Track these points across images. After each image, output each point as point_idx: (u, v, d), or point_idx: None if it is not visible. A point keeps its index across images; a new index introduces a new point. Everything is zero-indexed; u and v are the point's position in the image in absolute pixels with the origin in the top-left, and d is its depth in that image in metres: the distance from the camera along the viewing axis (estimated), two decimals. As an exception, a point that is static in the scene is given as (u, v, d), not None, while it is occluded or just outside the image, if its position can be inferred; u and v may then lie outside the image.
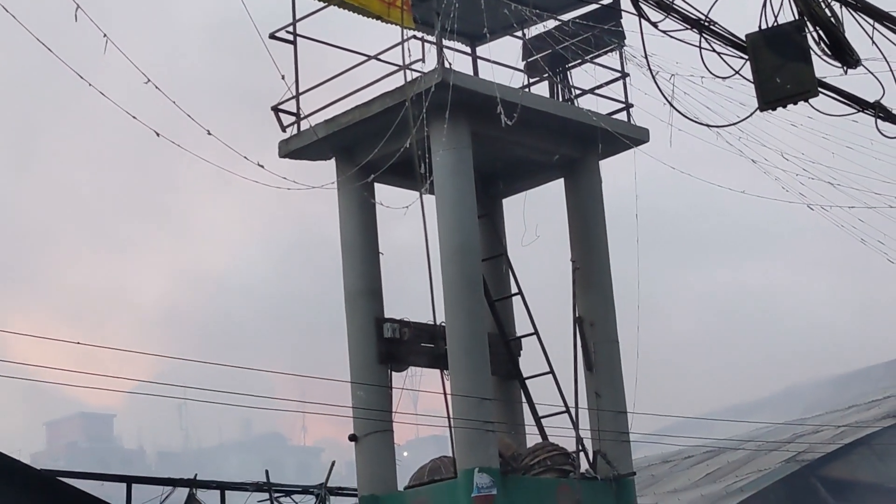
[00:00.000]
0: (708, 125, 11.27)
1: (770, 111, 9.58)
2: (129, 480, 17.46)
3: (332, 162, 19.68)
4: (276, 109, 19.27)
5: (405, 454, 19.36)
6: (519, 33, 21.12)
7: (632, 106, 20.56)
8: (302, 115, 19.43)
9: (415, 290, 19.95)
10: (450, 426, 17.77)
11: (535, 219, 20.38)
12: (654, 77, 11.17)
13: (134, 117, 12.67)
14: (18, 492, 16.00)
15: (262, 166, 15.17)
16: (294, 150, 19.62)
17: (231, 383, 15.82)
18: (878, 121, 10.19)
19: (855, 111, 10.25)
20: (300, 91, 19.30)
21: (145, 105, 13.75)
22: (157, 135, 13.24)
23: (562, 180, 20.59)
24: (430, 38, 18.66)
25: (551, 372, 19.95)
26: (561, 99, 20.55)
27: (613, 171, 21.24)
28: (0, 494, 15.68)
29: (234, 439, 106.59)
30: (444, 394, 17.93)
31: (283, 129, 19.52)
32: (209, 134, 13.82)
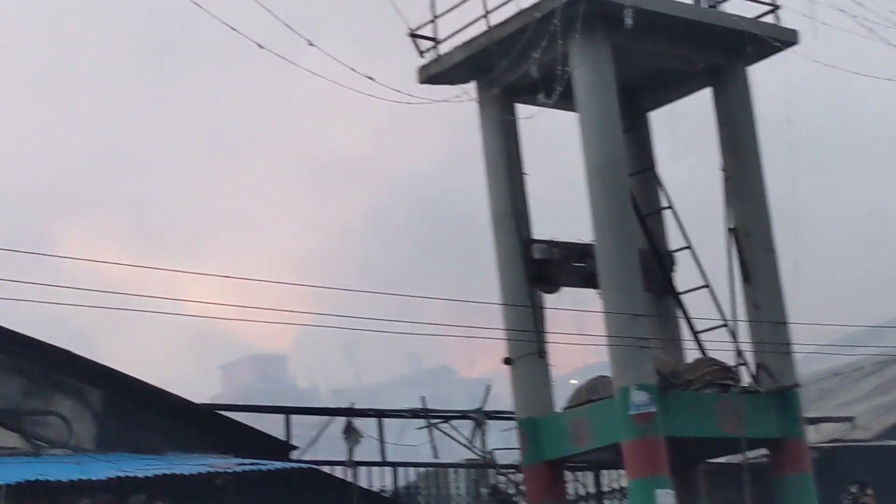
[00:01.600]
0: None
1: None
2: (288, 411, 17.64)
3: (471, 85, 19.41)
4: (412, 35, 19.07)
5: (573, 381, 19.20)
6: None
7: (779, 7, 19.84)
8: (439, 39, 19.22)
9: (562, 209, 19.68)
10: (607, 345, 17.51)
11: (683, 130, 19.90)
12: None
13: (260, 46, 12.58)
14: (181, 425, 16.27)
15: (371, 78, 15.08)
16: (433, 74, 19.42)
17: (392, 315, 15.76)
18: None
19: None
20: (437, 15, 19.09)
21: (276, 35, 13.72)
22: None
23: (709, 89, 20.03)
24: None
25: (707, 285, 19.52)
26: (705, 4, 19.91)
27: (762, 76, 20.51)
28: (162, 428, 15.96)
29: (403, 374, 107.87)
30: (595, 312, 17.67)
31: (422, 54, 19.34)
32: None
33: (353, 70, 15.00)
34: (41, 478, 13.15)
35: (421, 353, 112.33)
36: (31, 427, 15.26)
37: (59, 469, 13.81)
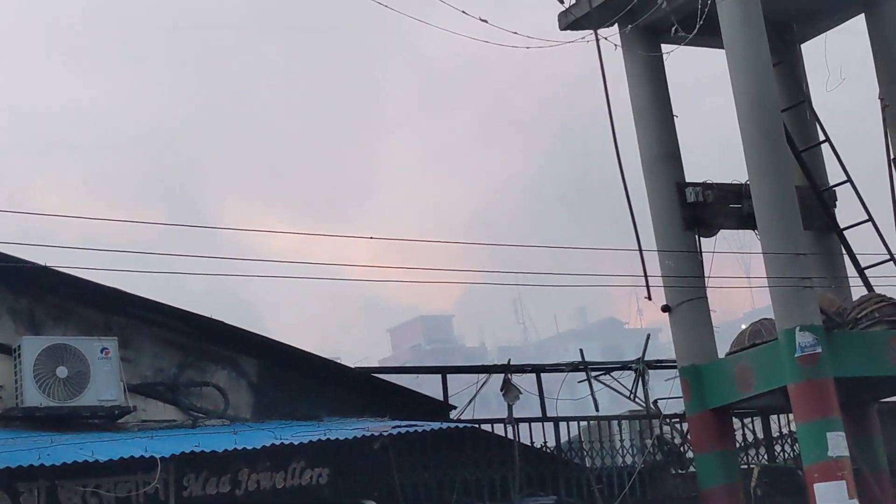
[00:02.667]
0: None
1: None
2: (444, 371, 17.49)
3: (614, 29, 18.96)
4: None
5: (742, 326, 18.71)
6: None
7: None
8: (578, -17, 18.82)
9: (714, 151, 19.14)
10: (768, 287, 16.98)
11: (837, 61, 19.15)
12: None
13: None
14: (336, 390, 16.25)
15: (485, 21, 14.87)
16: (575, 19, 19.03)
17: (556, 269, 15.52)
18: None
19: None
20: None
21: None
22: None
23: (861, 16, 19.25)
24: None
25: (870, 219, 18.83)
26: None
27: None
28: (318, 394, 15.96)
29: (571, 329, 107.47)
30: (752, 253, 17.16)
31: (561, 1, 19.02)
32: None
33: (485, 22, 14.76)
34: (198, 449, 13.21)
35: (588, 307, 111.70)
36: (188, 399, 15.39)
37: (216, 440, 13.86)
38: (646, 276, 17.78)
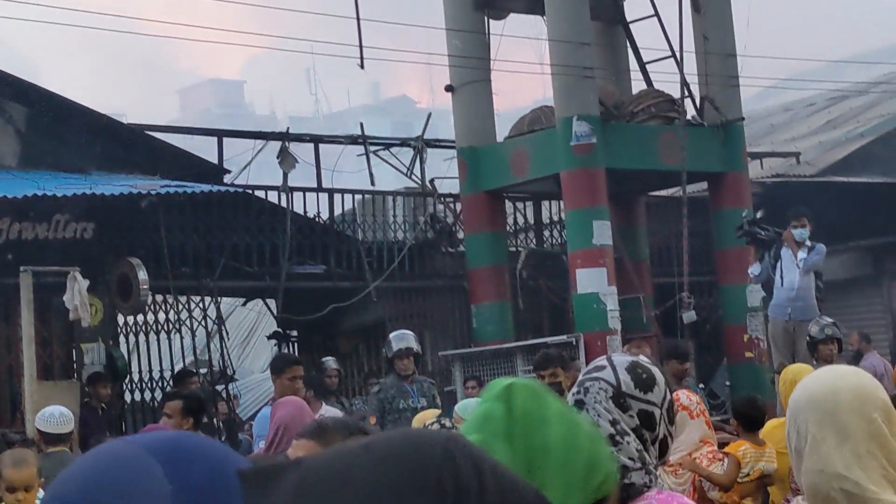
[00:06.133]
0: None
1: None
2: (220, 134, 17.18)
3: None
4: None
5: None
6: None
7: None
8: None
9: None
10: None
11: None
12: None
13: None
14: (107, 144, 15.82)
15: None
16: None
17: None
18: None
19: None
20: None
21: None
22: None
23: None
24: None
25: (656, 14, 19.00)
26: None
27: None
28: (87, 147, 15.53)
29: (363, 104, 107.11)
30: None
31: None
32: None
33: None
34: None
35: (382, 83, 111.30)
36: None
37: (-23, 187, 13.46)
38: (360, 45, 17.31)
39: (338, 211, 17.94)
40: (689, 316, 17.13)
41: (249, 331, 25.46)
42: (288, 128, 17.62)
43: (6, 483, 6.73)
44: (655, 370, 3.09)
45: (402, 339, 12.17)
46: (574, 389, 3.09)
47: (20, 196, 13.20)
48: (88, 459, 1.52)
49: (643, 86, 19.12)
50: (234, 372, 18.40)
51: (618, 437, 2.95)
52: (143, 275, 14.50)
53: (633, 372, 3.04)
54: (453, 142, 18.56)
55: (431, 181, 18.97)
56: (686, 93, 18.29)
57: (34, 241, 14.22)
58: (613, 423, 2.97)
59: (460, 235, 18.78)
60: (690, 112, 18.31)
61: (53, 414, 9.20)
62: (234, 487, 1.50)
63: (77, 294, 12.81)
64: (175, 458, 1.50)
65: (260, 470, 1.38)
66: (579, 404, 3.02)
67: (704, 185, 19.02)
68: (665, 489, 3.19)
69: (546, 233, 19.96)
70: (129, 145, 15.97)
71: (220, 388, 16.58)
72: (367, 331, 17.83)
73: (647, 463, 2.97)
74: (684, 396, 8.48)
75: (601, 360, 3.12)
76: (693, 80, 18.44)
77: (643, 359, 3.17)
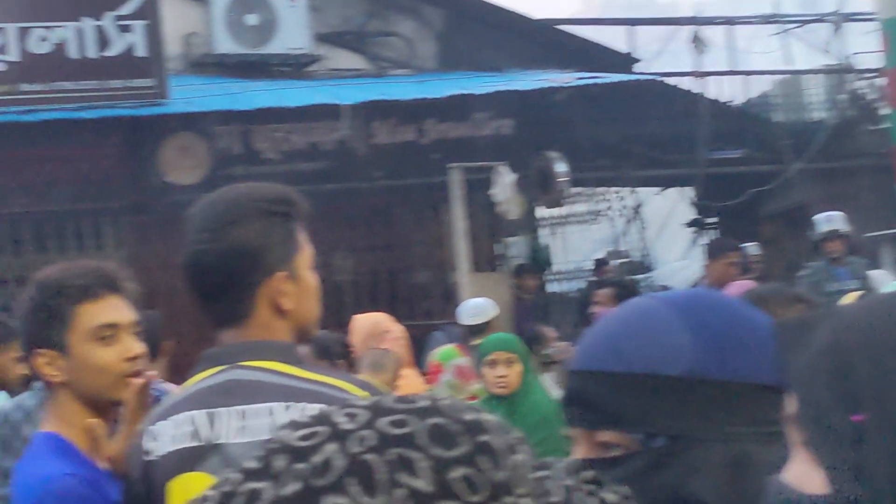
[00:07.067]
0: None
1: None
2: (631, 23, 17.08)
3: None
4: None
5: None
6: None
7: None
8: None
9: None
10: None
11: None
12: None
13: None
14: (521, 41, 16.06)
15: None
16: None
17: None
18: None
19: None
20: None
21: None
22: None
23: None
24: None
25: None
26: None
27: None
28: (502, 45, 15.80)
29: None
30: None
31: None
32: None
33: None
34: (384, 97, 13.35)
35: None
36: (375, 48, 15.43)
37: (402, 89, 13.98)
38: None
39: (753, 93, 17.57)
40: None
41: (663, 220, 25.44)
42: (699, 10, 17.31)
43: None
44: None
45: (828, 220, 11.85)
46: None
47: (442, 96, 13.63)
48: (615, 313, 1.62)
49: None
50: (651, 262, 18.47)
51: None
52: (562, 167, 14.68)
53: None
54: (874, 14, 17.72)
55: (851, 57, 18.25)
56: None
57: (456, 139, 14.66)
58: None
59: (884, 112, 18.00)
60: None
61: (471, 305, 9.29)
62: (751, 335, 1.60)
63: (505, 187, 13.16)
64: (693, 309, 1.62)
65: (796, 319, 1.40)
66: None
67: None
68: None
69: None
70: (540, 40, 16.15)
71: (637, 277, 16.68)
72: (789, 214, 17.45)
73: None
74: None
75: None
76: None
77: None
